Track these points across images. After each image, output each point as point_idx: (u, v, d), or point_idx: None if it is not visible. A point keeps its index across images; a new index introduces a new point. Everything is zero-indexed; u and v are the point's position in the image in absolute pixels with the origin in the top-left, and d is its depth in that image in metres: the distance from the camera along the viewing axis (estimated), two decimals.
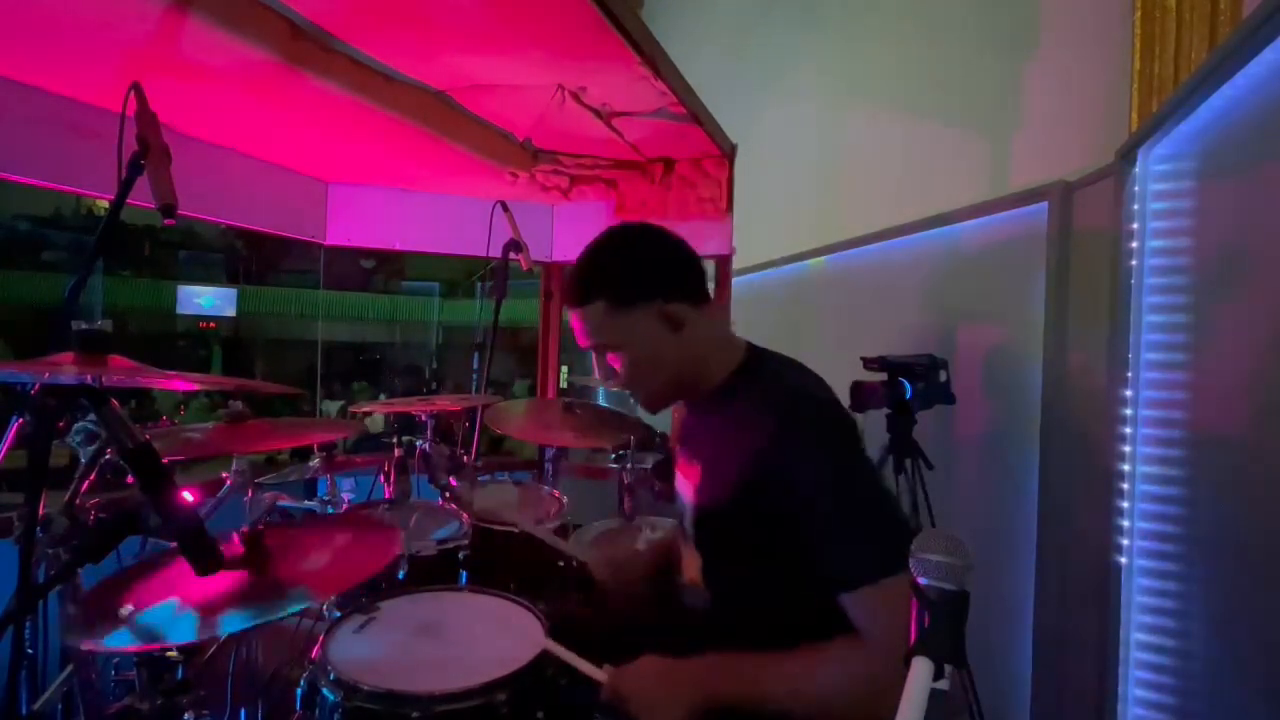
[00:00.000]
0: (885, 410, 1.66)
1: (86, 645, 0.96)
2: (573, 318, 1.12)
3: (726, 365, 1.11)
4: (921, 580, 0.62)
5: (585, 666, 1.05)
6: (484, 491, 2.00)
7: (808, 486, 0.94)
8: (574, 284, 1.09)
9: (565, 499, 1.98)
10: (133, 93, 1.13)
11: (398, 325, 16.52)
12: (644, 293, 1.05)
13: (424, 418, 1.86)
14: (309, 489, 1.86)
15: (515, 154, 2.21)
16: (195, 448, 1.48)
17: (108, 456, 1.09)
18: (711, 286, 1.24)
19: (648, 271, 1.08)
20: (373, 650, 1.14)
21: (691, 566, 1.19)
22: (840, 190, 2.93)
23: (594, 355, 1.13)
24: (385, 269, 16.77)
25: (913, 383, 1.63)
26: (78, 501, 1.06)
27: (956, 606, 0.61)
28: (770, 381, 1.08)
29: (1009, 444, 1.75)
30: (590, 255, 1.09)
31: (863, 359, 1.68)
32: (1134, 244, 1.31)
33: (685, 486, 1.18)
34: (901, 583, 0.85)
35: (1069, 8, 1.99)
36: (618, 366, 1.10)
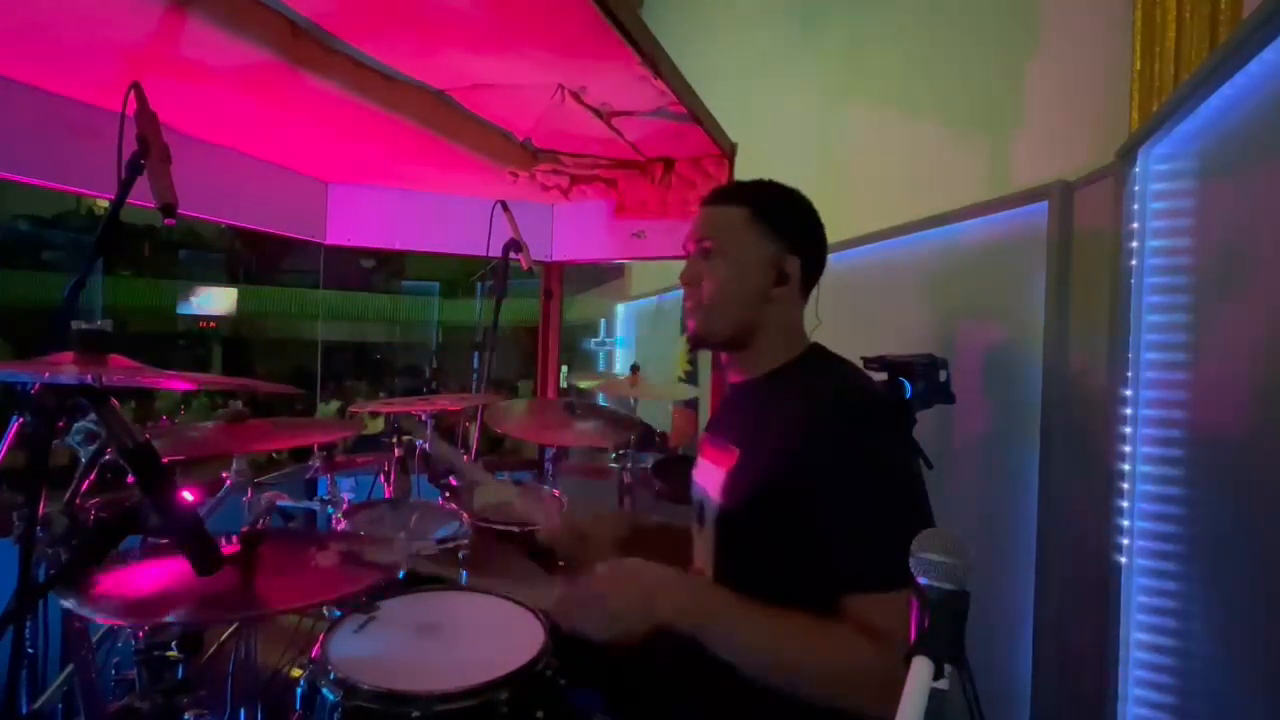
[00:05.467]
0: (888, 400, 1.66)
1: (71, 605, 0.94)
2: (700, 214, 1.13)
3: (786, 353, 1.11)
4: (921, 580, 0.62)
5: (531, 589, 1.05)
6: (484, 491, 2.00)
7: (842, 485, 0.94)
8: (730, 185, 1.16)
9: (565, 499, 1.98)
10: (133, 93, 1.13)
11: (398, 325, 16.52)
12: (784, 229, 1.09)
13: (424, 418, 1.86)
14: (309, 489, 1.86)
15: (515, 154, 2.21)
16: (195, 448, 1.48)
17: (107, 456, 1.09)
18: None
19: (801, 221, 1.12)
20: (373, 650, 1.14)
21: (700, 555, 1.18)
22: (840, 190, 2.92)
23: (689, 260, 1.13)
24: (385, 269, 16.77)
25: (913, 382, 1.63)
26: (78, 501, 1.06)
27: (956, 606, 0.61)
28: (821, 378, 1.07)
29: (1009, 444, 1.75)
30: (761, 180, 1.14)
31: (863, 359, 1.68)
32: (1134, 244, 1.31)
33: (710, 474, 1.15)
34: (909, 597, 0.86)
35: (1069, 8, 1.99)
36: (706, 278, 1.10)
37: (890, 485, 0.95)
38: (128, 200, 1.13)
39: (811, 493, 0.95)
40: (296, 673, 1.25)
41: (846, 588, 0.92)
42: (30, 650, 1.05)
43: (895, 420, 1.04)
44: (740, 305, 1.09)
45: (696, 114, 1.87)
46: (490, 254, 2.13)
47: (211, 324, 15.00)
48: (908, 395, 1.63)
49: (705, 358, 3.29)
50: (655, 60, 1.51)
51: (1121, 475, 1.31)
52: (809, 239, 1.12)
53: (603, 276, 7.72)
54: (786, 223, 1.10)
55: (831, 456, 0.95)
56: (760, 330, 1.11)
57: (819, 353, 1.13)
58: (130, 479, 0.85)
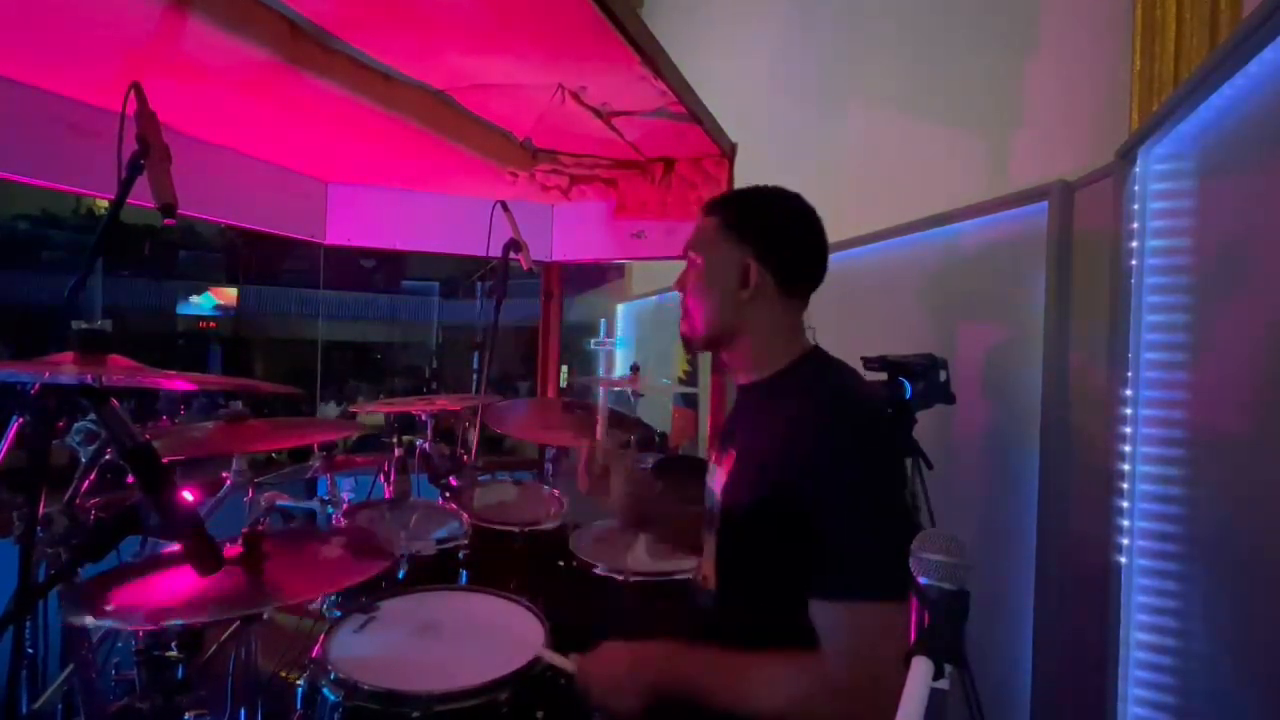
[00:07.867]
0: (885, 410, 1.66)
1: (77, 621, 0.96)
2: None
3: (785, 356, 1.12)
4: (922, 580, 0.62)
5: (558, 660, 1.08)
6: (484, 491, 2.00)
7: (829, 493, 0.94)
8: (720, 194, 1.22)
9: (565, 499, 1.98)
10: (133, 93, 1.13)
11: (398, 325, 16.53)
12: (750, 235, 1.12)
13: (424, 418, 1.86)
14: (309, 489, 1.86)
15: (515, 154, 2.21)
16: (195, 448, 1.48)
17: (107, 456, 1.09)
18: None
19: (771, 225, 1.14)
20: (373, 650, 1.14)
21: (706, 561, 1.18)
22: (840, 190, 2.92)
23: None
24: (385, 269, 16.77)
25: (913, 382, 1.63)
26: (78, 501, 1.06)
27: (956, 606, 0.61)
28: (815, 382, 1.08)
29: (1009, 444, 1.75)
30: (750, 187, 1.19)
31: (863, 359, 1.68)
32: (1134, 244, 1.31)
33: (715, 477, 1.18)
34: (880, 612, 0.86)
35: (1069, 8, 1.99)
36: (688, 285, 1.17)
37: (872, 498, 0.95)
38: (128, 200, 1.12)
39: (800, 495, 0.96)
40: (294, 677, 1.25)
41: (815, 595, 0.93)
42: (30, 650, 1.05)
43: (887, 426, 1.04)
44: (710, 310, 1.14)
45: (696, 114, 1.87)
46: (490, 254, 2.12)
47: (212, 324, 15.00)
48: (908, 395, 1.63)
49: (705, 358, 3.29)
50: (655, 60, 1.51)
51: (1121, 475, 1.31)
52: (780, 242, 1.12)
53: (603, 277, 7.72)
54: (753, 229, 1.12)
55: (819, 460, 0.96)
56: (742, 333, 1.13)
57: (817, 356, 1.14)
58: (130, 479, 0.85)
